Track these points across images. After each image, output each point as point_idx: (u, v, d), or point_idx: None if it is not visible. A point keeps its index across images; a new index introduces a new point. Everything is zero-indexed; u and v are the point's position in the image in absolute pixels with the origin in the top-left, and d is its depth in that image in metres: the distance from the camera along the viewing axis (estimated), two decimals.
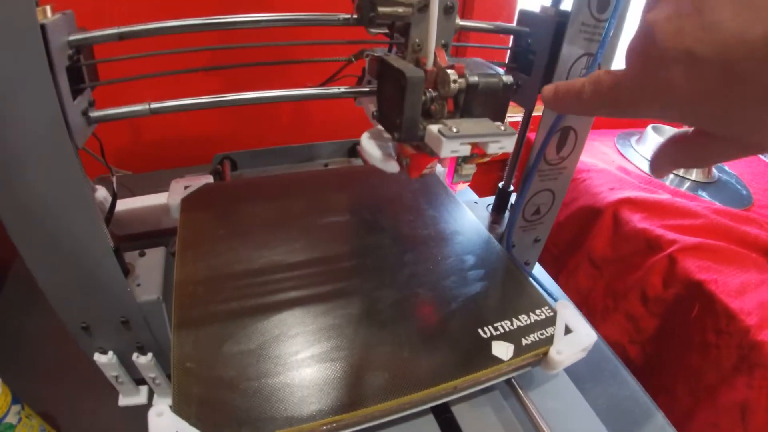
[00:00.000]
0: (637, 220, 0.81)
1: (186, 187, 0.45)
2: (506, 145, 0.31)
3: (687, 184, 0.97)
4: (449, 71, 0.30)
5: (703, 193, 0.94)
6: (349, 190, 0.48)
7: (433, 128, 0.29)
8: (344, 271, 0.38)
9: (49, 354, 0.50)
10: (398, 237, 0.42)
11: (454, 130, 0.29)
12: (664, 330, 0.81)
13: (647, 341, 0.84)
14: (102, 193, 0.54)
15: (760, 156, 1.24)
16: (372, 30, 0.33)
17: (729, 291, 0.72)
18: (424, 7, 0.32)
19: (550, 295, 0.46)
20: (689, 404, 0.77)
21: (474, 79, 0.31)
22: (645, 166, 1.00)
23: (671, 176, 0.99)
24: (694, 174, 0.99)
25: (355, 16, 0.33)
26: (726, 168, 1.08)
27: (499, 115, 0.34)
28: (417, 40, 0.33)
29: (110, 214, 0.46)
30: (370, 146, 0.35)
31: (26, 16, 0.26)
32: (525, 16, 0.41)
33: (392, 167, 0.34)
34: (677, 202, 0.85)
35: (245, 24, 0.32)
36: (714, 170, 1.03)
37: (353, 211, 0.44)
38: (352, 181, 0.50)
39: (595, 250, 0.88)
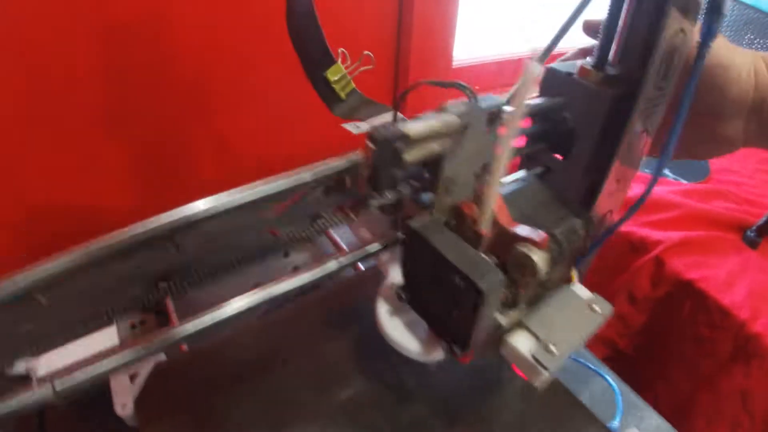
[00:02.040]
0: None
1: (132, 377, 0.31)
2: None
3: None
4: (530, 252, 0.19)
5: (667, 171, 0.92)
6: (349, 330, 0.33)
7: (522, 348, 0.19)
8: None
9: None
10: (436, 403, 0.31)
11: (554, 350, 0.19)
12: (654, 324, 0.79)
13: (636, 334, 0.82)
14: None
15: None
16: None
17: (718, 286, 0.71)
18: (463, 129, 0.21)
19: None
20: (689, 390, 0.76)
21: (556, 248, 0.21)
22: None
23: None
24: None
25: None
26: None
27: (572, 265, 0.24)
28: (450, 176, 0.22)
29: None
30: (398, 333, 0.24)
31: None
32: (556, 80, 0.30)
33: (437, 356, 0.24)
34: (652, 194, 0.81)
35: None
36: None
37: (365, 371, 0.32)
38: (344, 308, 0.37)
39: None
